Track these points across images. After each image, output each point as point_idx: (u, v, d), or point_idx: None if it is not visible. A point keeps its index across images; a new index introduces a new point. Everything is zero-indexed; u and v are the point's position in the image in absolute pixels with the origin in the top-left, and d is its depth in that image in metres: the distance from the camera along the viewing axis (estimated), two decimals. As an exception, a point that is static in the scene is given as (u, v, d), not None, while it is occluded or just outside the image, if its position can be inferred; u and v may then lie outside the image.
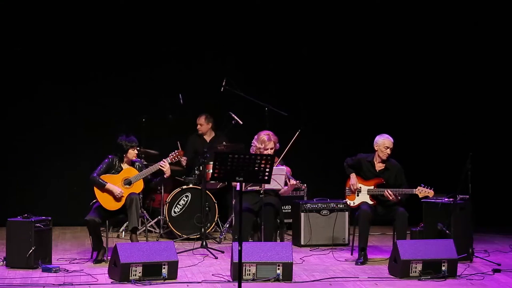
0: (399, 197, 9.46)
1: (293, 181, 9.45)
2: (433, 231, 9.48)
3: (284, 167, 9.45)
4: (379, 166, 9.62)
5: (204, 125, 11.60)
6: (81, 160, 11.79)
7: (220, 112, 11.12)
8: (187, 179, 11.16)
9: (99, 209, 9.34)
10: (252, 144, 9.64)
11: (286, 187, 9.50)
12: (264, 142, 9.51)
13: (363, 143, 10.19)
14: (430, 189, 9.29)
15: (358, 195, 9.60)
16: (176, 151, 9.80)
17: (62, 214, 11.62)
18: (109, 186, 9.30)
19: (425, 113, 12.60)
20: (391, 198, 9.38)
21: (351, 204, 9.68)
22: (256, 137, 9.63)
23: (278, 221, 9.63)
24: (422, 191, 9.31)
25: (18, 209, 9.95)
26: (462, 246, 9.20)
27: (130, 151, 9.46)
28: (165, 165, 9.50)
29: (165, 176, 9.62)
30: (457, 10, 12.52)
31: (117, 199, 9.30)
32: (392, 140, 9.55)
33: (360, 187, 9.59)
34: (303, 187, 11.19)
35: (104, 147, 10.52)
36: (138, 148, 9.67)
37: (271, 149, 9.50)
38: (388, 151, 9.53)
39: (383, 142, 9.53)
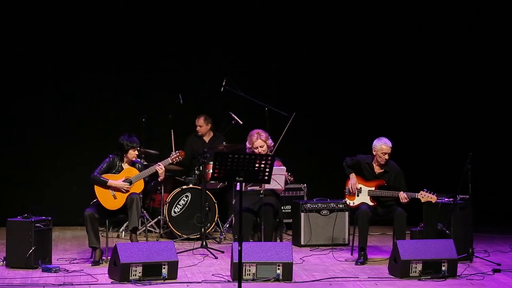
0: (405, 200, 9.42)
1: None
2: (433, 231, 9.48)
3: (284, 167, 9.45)
4: (378, 169, 9.59)
5: (203, 126, 11.59)
6: (81, 160, 11.79)
7: (220, 112, 11.11)
8: (187, 179, 11.16)
9: (99, 207, 9.34)
10: (246, 144, 9.68)
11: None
12: (252, 142, 9.52)
13: (362, 143, 10.18)
14: (433, 194, 9.25)
15: (358, 195, 9.59)
16: (177, 151, 9.80)
17: (62, 214, 11.61)
18: (111, 182, 9.30)
19: (425, 113, 12.60)
20: (405, 201, 9.34)
21: (351, 204, 9.67)
22: (248, 135, 9.66)
23: (278, 220, 9.64)
24: (425, 196, 9.26)
25: (18, 209, 9.95)
26: (462, 246, 9.20)
27: (131, 151, 9.46)
28: (161, 168, 9.50)
29: (159, 179, 9.61)
30: (457, 11, 12.51)
31: (124, 192, 9.28)
32: (390, 145, 9.46)
33: (361, 188, 9.58)
34: (300, 185, 11.23)
35: (104, 147, 10.52)
36: (139, 149, 9.67)
37: (261, 147, 9.49)
38: (386, 156, 9.48)
39: (381, 147, 9.48)
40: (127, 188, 9.31)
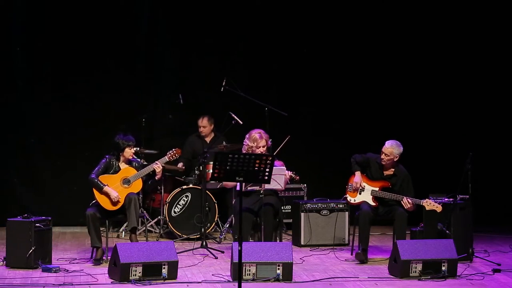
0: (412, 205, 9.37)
1: (288, 173, 9.46)
2: (433, 231, 9.47)
3: (284, 167, 9.46)
4: (387, 171, 9.54)
5: (207, 127, 11.57)
6: (81, 160, 11.78)
7: (220, 112, 11.11)
8: (187, 179, 11.16)
9: (100, 207, 9.34)
10: (244, 143, 9.68)
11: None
12: (256, 140, 9.54)
13: (363, 144, 10.18)
14: (439, 203, 9.22)
15: (360, 193, 9.57)
16: (173, 149, 9.79)
17: (62, 214, 11.61)
18: (106, 189, 9.29)
19: (425, 113, 12.58)
20: (408, 206, 9.31)
21: (351, 201, 9.65)
22: (247, 135, 9.68)
23: (278, 220, 9.64)
24: (430, 204, 9.21)
25: (18, 209, 9.95)
26: (462, 246, 9.20)
27: (127, 149, 9.45)
28: (158, 167, 9.49)
29: (156, 178, 9.61)
30: (457, 10, 12.51)
31: (114, 203, 9.29)
32: (388, 147, 9.38)
33: (364, 186, 9.56)
34: (300, 185, 11.26)
35: (104, 147, 10.52)
36: (135, 148, 9.66)
37: (263, 147, 9.53)
38: (383, 156, 9.46)
39: (384, 147, 9.46)
40: (115, 199, 9.28)
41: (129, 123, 11.56)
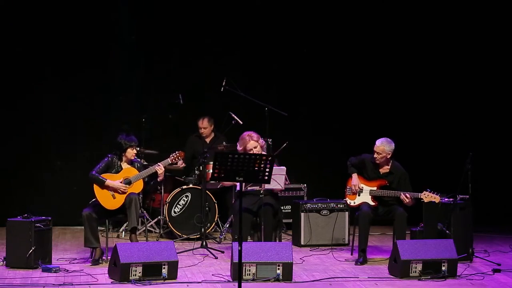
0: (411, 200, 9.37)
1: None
2: (433, 231, 9.48)
3: (284, 167, 9.46)
4: (383, 169, 9.57)
5: (207, 128, 11.56)
6: (81, 160, 11.80)
7: (220, 112, 11.11)
8: (187, 179, 11.16)
9: (98, 206, 9.32)
10: (237, 146, 9.69)
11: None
12: (245, 143, 9.54)
13: (363, 144, 10.17)
14: (436, 194, 9.23)
15: (359, 195, 9.58)
16: (176, 151, 9.79)
17: (62, 214, 11.61)
18: (108, 182, 9.28)
19: (425, 113, 12.60)
20: (407, 201, 9.31)
21: (351, 204, 9.66)
22: (240, 138, 9.68)
23: (277, 220, 9.64)
24: (428, 196, 9.23)
25: (18, 209, 9.94)
26: (462, 246, 9.20)
27: (129, 150, 9.44)
28: (160, 168, 9.49)
29: (158, 180, 9.60)
30: (457, 10, 12.51)
31: (121, 193, 9.27)
32: (379, 145, 9.39)
33: (362, 187, 9.56)
34: (300, 185, 11.27)
35: (104, 147, 10.53)
36: (137, 148, 9.65)
37: (255, 148, 9.52)
38: (376, 155, 9.45)
39: (375, 146, 9.47)
40: (124, 189, 9.29)
41: (129, 123, 11.57)
